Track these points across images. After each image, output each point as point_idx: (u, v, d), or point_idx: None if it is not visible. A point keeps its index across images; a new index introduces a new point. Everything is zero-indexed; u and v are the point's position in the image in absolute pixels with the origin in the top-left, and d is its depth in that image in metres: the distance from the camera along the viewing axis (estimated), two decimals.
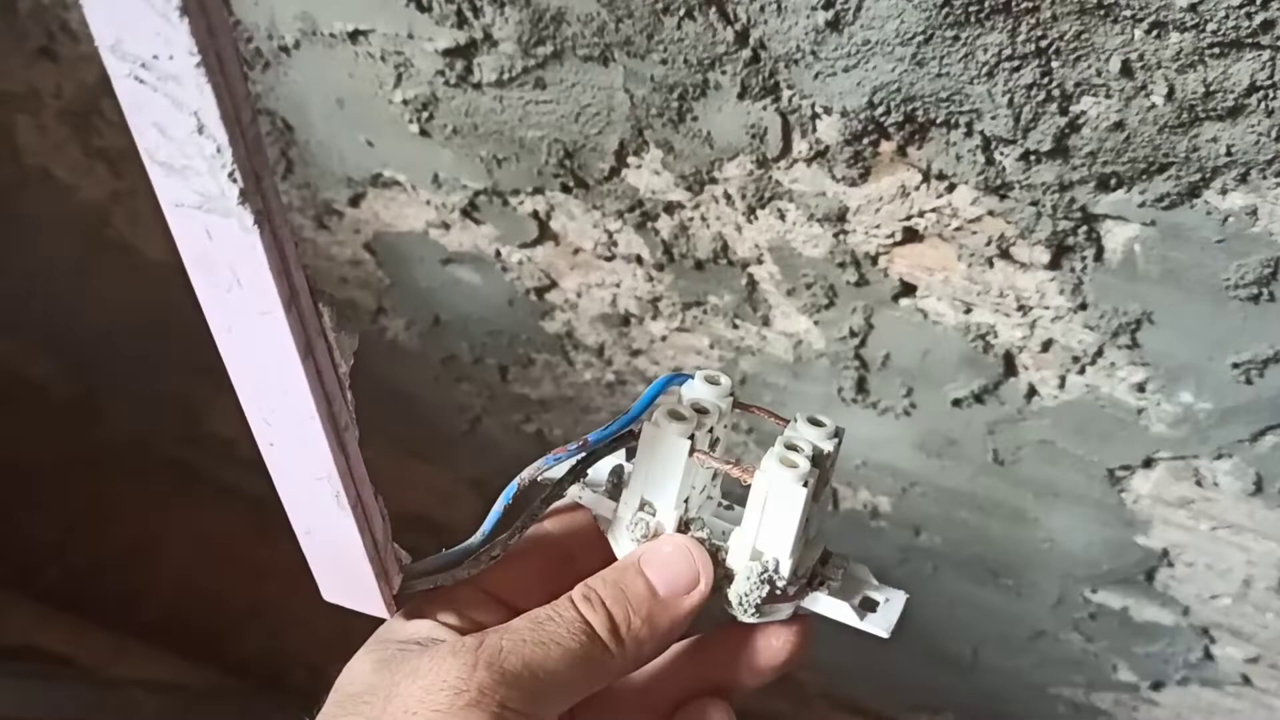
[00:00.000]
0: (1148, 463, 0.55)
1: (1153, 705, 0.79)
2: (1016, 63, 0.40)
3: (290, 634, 1.30)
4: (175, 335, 0.93)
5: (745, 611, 0.34)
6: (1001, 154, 0.43)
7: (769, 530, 0.34)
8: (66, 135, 0.71)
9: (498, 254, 0.61)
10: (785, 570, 0.34)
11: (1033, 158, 0.43)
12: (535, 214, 0.57)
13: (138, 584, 1.23)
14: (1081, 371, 0.52)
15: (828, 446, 0.34)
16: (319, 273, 0.72)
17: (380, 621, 0.35)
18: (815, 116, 0.45)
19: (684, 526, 0.35)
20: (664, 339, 0.63)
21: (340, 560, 0.34)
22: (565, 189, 0.54)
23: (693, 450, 0.34)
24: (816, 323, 0.56)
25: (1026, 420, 0.56)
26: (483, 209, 0.58)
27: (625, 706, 0.36)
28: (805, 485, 0.33)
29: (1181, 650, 0.68)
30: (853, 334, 0.55)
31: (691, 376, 0.36)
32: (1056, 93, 0.40)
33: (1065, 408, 0.54)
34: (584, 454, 0.35)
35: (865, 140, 0.45)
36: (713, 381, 0.36)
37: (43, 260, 0.83)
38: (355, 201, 0.63)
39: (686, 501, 0.35)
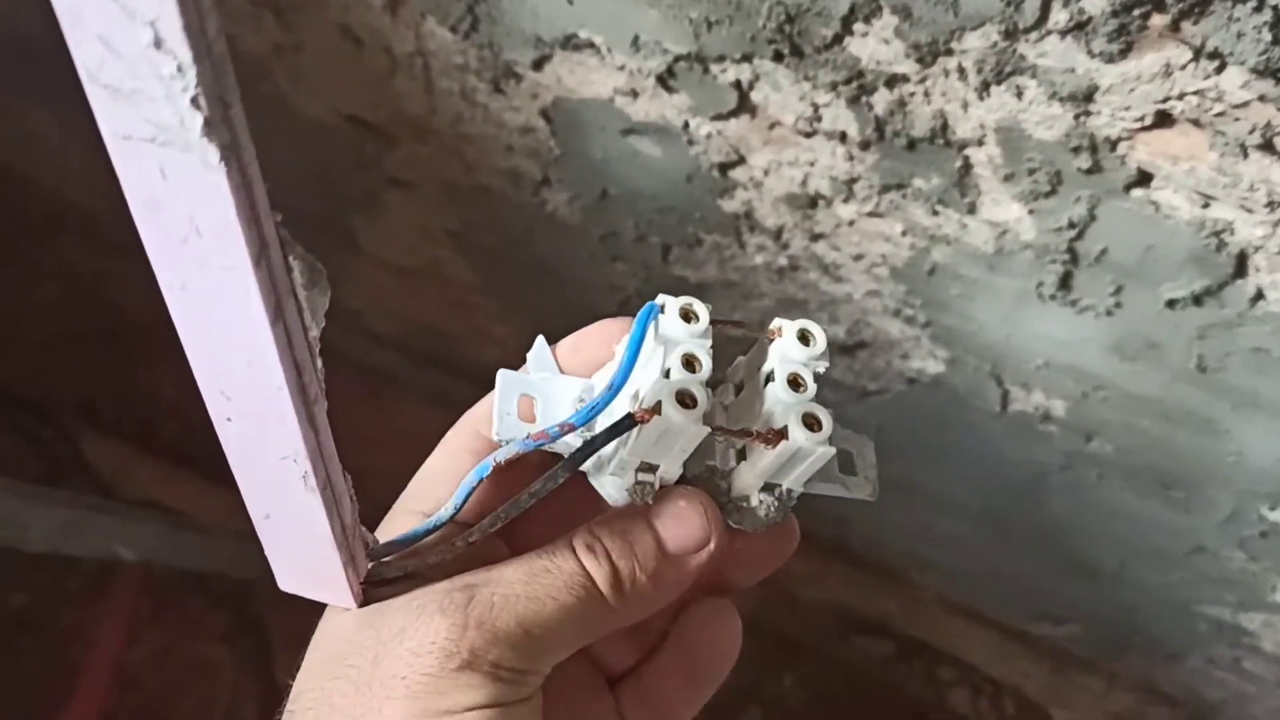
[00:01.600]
0: None
1: None
2: None
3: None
4: (317, 196, 0.92)
5: (761, 528, 0.33)
6: None
7: (785, 473, 0.32)
8: None
9: (686, 125, 0.59)
10: (799, 491, 0.32)
11: None
12: (737, 83, 0.55)
13: None
14: None
15: (823, 366, 0.32)
16: (484, 140, 0.70)
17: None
18: None
19: (720, 427, 0.32)
20: (851, 224, 0.60)
21: (303, 548, 0.31)
22: (778, 57, 0.52)
23: (711, 432, 0.30)
24: (1031, 211, 0.53)
25: (1245, 326, 0.53)
26: (680, 76, 0.56)
27: None
28: (832, 448, 0.30)
29: None
30: (1071, 225, 0.52)
31: (658, 309, 0.32)
32: None
33: None
34: (578, 449, 0.31)
35: (1136, 11, 0.42)
36: (689, 317, 0.32)
37: None
38: (539, 65, 0.61)
39: None
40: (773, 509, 0.32)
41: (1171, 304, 0.54)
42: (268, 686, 1.19)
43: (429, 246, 0.87)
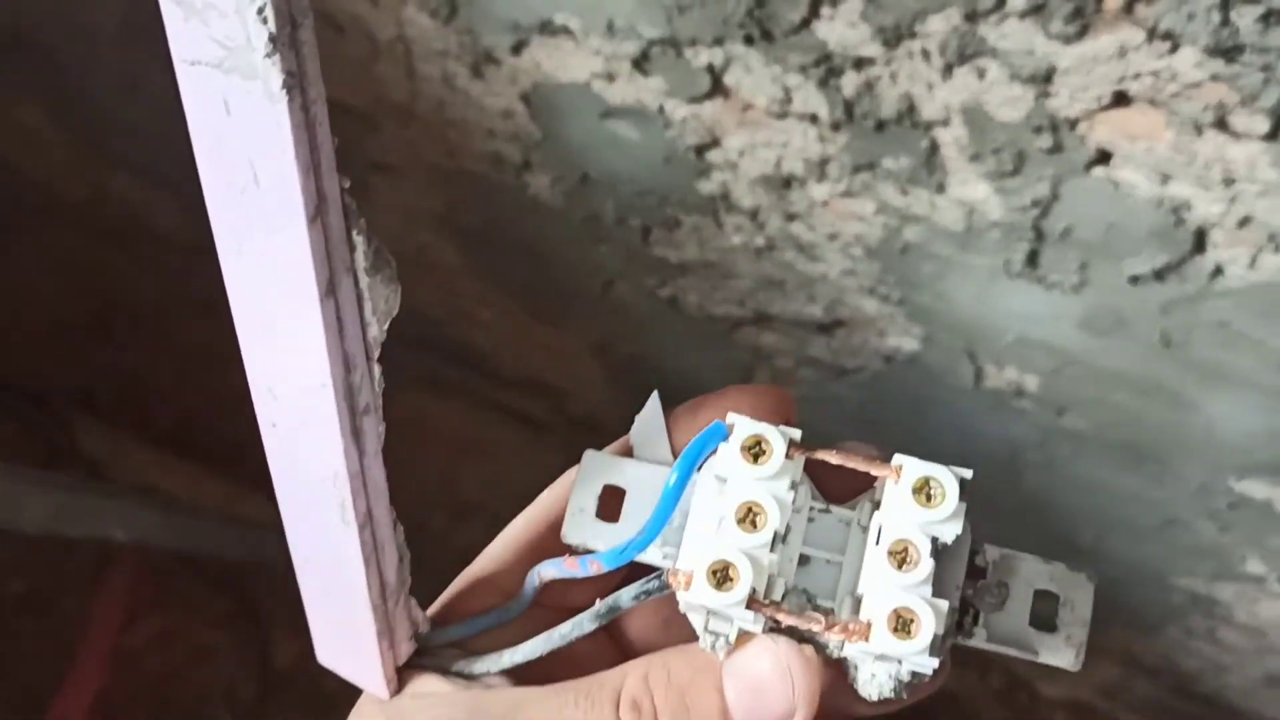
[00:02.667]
0: None
1: (1275, 598, 0.79)
2: None
3: (397, 492, 1.34)
4: None
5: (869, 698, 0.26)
6: (1239, 14, 0.41)
7: (892, 660, 0.25)
8: None
9: (661, 109, 0.60)
10: (931, 669, 0.25)
11: (1274, 19, 0.41)
12: (710, 67, 0.56)
13: (249, 431, 1.27)
14: (1277, 250, 0.50)
15: (950, 533, 0.25)
16: (466, 124, 0.71)
17: None
18: None
19: (773, 616, 0.25)
20: (825, 204, 0.62)
21: (338, 605, 0.27)
22: (748, 40, 0.53)
23: (761, 613, 0.24)
24: (998, 190, 0.54)
25: (1206, 300, 0.54)
26: (654, 60, 0.57)
27: None
28: (937, 656, 0.24)
29: None
30: (1035, 203, 0.53)
31: (725, 434, 0.25)
32: None
33: (1252, 289, 0.52)
34: (605, 608, 0.26)
35: None
36: (757, 454, 0.25)
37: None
38: (517, 50, 0.62)
39: (769, 583, 0.25)
40: (887, 686, 0.25)
41: (1135, 280, 0.55)
42: (265, 671, 1.21)
43: (415, 231, 0.88)
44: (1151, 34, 0.43)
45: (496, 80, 0.65)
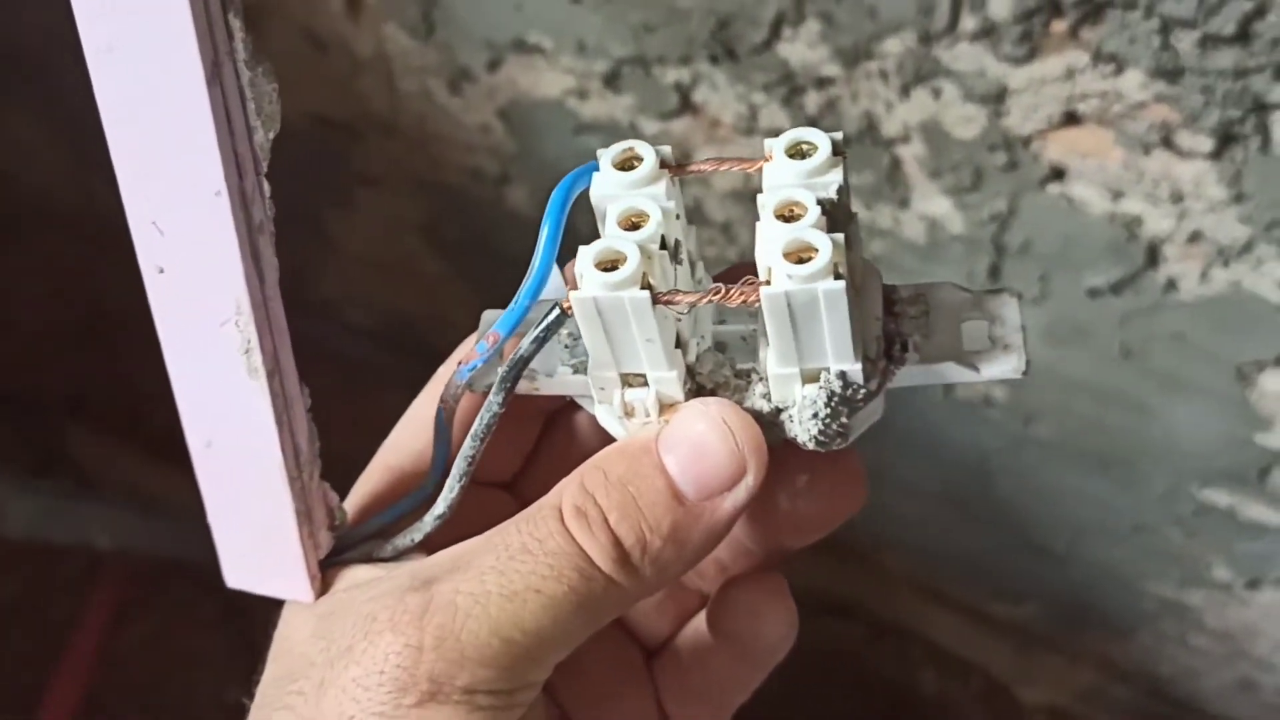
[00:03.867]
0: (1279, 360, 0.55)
1: (1242, 604, 0.80)
2: None
3: None
4: (289, 193, 0.95)
5: (833, 444, 0.25)
6: (1178, 38, 0.43)
7: (814, 345, 0.23)
8: None
9: (632, 125, 0.62)
10: (860, 375, 0.24)
11: (1210, 43, 0.42)
12: (678, 85, 0.57)
13: None
14: (1226, 264, 0.52)
15: (832, 185, 0.24)
16: (446, 138, 0.72)
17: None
18: None
19: (694, 380, 0.25)
20: None
21: (250, 489, 0.25)
22: (713, 59, 0.54)
23: (657, 300, 0.23)
24: (958, 206, 0.56)
25: (1162, 312, 0.56)
26: (625, 78, 0.58)
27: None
28: (839, 277, 0.22)
29: None
30: (993, 218, 0.55)
31: (596, 166, 0.26)
32: None
33: (1204, 302, 0.54)
34: (508, 367, 0.25)
35: (1037, 18, 0.44)
36: (627, 166, 0.25)
37: None
38: (493, 67, 0.63)
39: (680, 345, 0.25)
40: (821, 403, 0.24)
41: (1093, 293, 0.56)
42: (255, 675, 1.22)
43: (400, 240, 0.89)
44: (1097, 56, 0.45)
45: (474, 96, 0.67)
